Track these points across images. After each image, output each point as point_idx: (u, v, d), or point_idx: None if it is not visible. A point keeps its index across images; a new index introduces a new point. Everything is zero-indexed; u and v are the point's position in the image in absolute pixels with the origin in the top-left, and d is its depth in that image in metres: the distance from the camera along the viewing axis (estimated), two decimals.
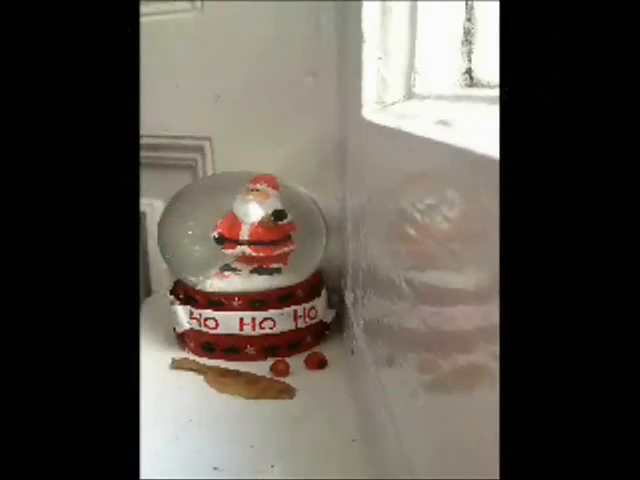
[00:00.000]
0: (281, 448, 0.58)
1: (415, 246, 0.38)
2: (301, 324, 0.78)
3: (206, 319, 0.77)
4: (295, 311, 0.78)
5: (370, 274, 0.59)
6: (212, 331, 0.77)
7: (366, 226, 0.61)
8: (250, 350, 0.77)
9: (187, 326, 0.78)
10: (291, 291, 0.79)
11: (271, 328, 0.77)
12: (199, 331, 0.78)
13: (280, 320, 0.77)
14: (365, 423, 0.58)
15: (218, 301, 0.77)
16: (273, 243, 0.77)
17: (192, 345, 0.79)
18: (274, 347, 0.77)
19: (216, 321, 0.77)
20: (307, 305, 0.79)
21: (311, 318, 0.79)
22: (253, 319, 0.76)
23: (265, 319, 0.76)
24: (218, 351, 0.77)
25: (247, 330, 0.76)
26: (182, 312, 0.79)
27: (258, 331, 0.76)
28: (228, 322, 0.77)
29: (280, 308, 0.77)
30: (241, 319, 0.76)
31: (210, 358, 0.77)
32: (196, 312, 0.78)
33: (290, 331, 0.78)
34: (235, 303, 0.77)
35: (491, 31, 0.52)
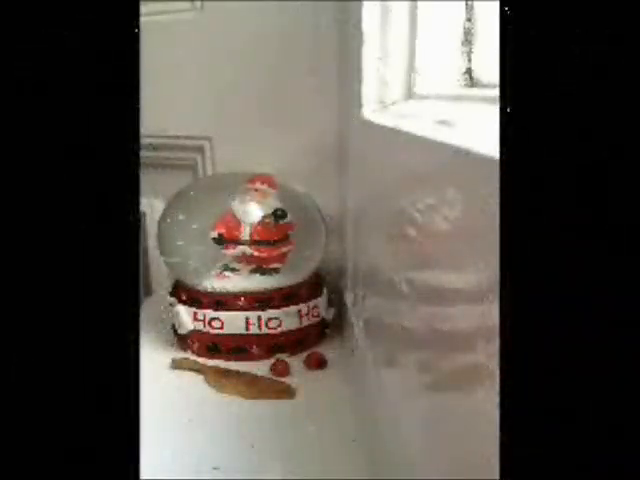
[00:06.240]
0: (281, 448, 0.58)
1: (415, 246, 0.38)
2: (305, 322, 0.79)
3: (211, 319, 0.77)
4: (299, 310, 0.78)
5: (370, 274, 0.59)
6: (217, 331, 0.77)
7: (366, 226, 0.61)
8: (255, 350, 0.77)
9: (191, 327, 0.78)
10: (295, 290, 0.79)
11: (277, 327, 0.77)
12: (204, 332, 0.78)
13: (286, 319, 0.77)
14: (365, 423, 0.58)
15: (223, 301, 0.77)
16: (273, 243, 0.77)
17: (196, 346, 0.79)
18: (280, 346, 0.77)
19: (221, 321, 0.77)
20: (310, 303, 0.79)
21: (314, 316, 0.80)
22: (259, 318, 0.76)
23: (271, 318, 0.77)
24: (223, 351, 0.77)
25: (254, 329, 0.77)
26: (185, 313, 0.78)
27: (265, 330, 0.77)
28: (234, 322, 0.77)
29: (285, 307, 0.77)
30: (248, 318, 0.76)
31: (215, 358, 0.77)
32: (200, 313, 0.78)
33: (295, 329, 0.78)
34: (240, 303, 0.77)
35: (491, 31, 0.52)
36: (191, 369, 0.74)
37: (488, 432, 0.23)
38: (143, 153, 0.35)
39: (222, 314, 0.77)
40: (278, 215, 0.76)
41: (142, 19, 0.33)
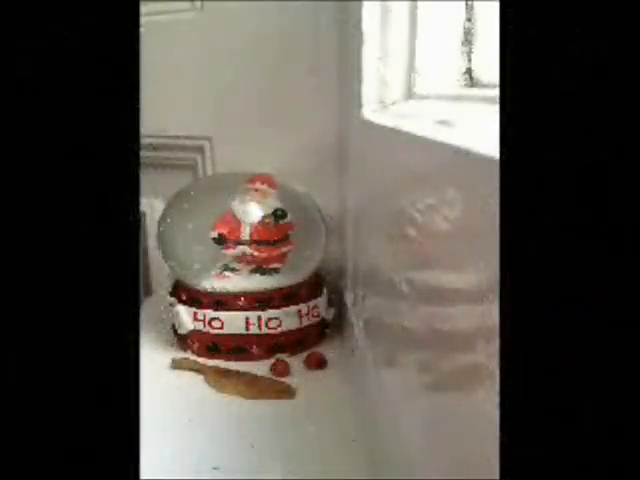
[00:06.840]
0: (281, 448, 0.58)
1: (415, 246, 0.38)
2: (305, 322, 0.79)
3: (211, 319, 0.77)
4: (299, 310, 0.78)
5: (370, 274, 0.59)
6: (217, 331, 0.77)
7: (366, 226, 0.61)
8: (255, 350, 0.77)
9: (191, 327, 0.78)
10: (295, 290, 0.79)
11: (277, 327, 0.77)
12: (204, 332, 0.78)
13: (286, 319, 0.77)
14: (365, 423, 0.58)
15: (223, 301, 0.77)
16: (273, 243, 0.77)
17: (196, 346, 0.79)
18: (280, 346, 0.77)
19: (221, 321, 0.77)
20: (310, 303, 0.79)
21: (314, 316, 0.80)
22: (259, 318, 0.76)
23: (271, 318, 0.77)
24: (223, 351, 0.77)
25: (254, 329, 0.77)
26: (185, 313, 0.78)
27: (265, 330, 0.77)
28: (234, 322, 0.77)
29: (285, 307, 0.77)
30: (248, 318, 0.76)
31: (215, 358, 0.77)
32: (200, 313, 0.78)
33: (295, 329, 0.78)
34: (240, 303, 0.77)
35: (491, 31, 0.52)
36: (191, 369, 0.74)
37: (488, 432, 0.23)
38: (143, 153, 0.35)
39: (222, 314, 0.77)
40: (278, 215, 0.76)
41: (142, 19, 0.33)
